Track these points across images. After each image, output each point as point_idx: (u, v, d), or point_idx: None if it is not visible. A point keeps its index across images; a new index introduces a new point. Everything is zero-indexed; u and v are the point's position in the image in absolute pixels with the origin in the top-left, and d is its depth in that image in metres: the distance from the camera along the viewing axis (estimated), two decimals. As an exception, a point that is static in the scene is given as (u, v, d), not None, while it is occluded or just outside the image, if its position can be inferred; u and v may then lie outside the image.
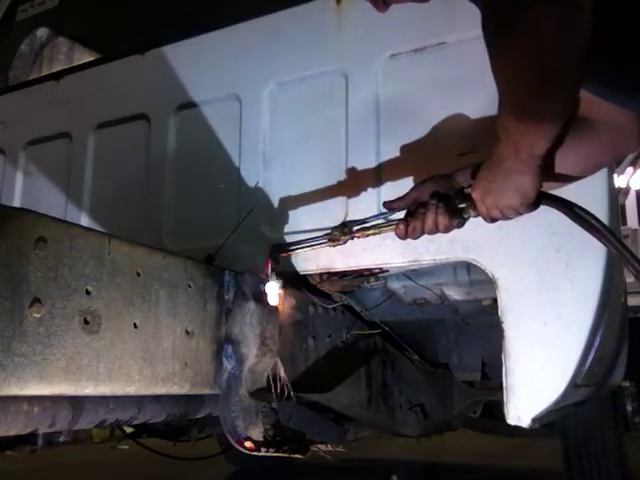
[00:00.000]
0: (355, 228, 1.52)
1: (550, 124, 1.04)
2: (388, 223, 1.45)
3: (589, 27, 0.90)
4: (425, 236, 1.38)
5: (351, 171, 1.90)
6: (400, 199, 1.43)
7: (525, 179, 1.15)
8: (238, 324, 1.53)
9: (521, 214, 1.25)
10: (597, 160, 1.31)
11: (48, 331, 1.06)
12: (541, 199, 1.22)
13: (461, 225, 1.34)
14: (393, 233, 1.42)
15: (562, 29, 0.89)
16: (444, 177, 1.39)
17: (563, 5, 0.87)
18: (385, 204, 1.47)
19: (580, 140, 1.21)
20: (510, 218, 1.27)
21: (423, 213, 1.34)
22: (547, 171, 1.16)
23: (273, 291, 1.60)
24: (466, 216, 1.32)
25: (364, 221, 1.51)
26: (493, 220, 1.29)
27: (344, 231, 1.52)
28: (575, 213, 1.22)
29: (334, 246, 1.56)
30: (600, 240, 1.20)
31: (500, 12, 0.92)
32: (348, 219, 1.80)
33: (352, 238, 1.53)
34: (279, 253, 1.66)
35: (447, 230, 1.34)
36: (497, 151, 1.15)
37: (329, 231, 1.56)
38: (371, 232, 1.49)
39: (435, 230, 1.35)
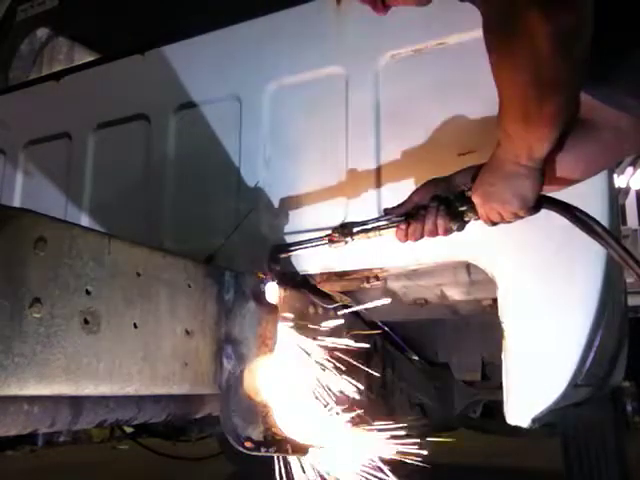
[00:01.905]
0: (355, 230, 1.52)
1: (550, 127, 1.04)
2: (388, 225, 1.45)
3: (589, 31, 0.90)
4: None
5: (351, 171, 1.90)
6: (400, 205, 1.43)
7: (525, 183, 1.15)
8: (238, 324, 1.53)
9: (522, 218, 1.25)
10: (597, 162, 1.31)
11: (48, 331, 1.06)
12: (541, 202, 1.22)
13: (461, 228, 1.34)
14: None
15: (562, 33, 0.88)
16: (444, 180, 1.39)
17: (563, 9, 0.87)
18: (386, 211, 1.47)
19: (580, 142, 1.21)
20: (511, 222, 1.27)
21: (423, 215, 1.34)
22: (547, 174, 1.16)
23: (273, 291, 1.60)
24: (466, 219, 1.32)
25: (365, 223, 1.51)
26: (494, 224, 1.29)
27: (344, 232, 1.52)
28: (576, 217, 1.22)
29: (335, 247, 1.56)
30: (601, 243, 1.20)
31: (500, 15, 0.92)
32: (348, 219, 1.81)
33: (352, 240, 1.53)
34: (279, 253, 1.66)
35: (447, 233, 1.35)
36: (497, 154, 1.15)
37: (329, 232, 1.56)
38: (371, 234, 1.50)
39: (435, 232, 1.35)
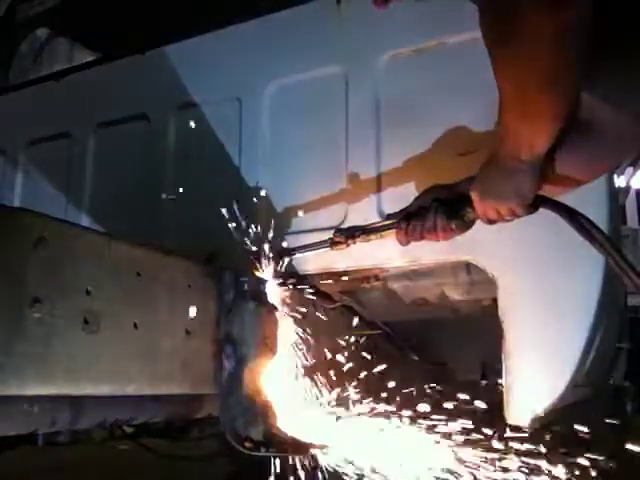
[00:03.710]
0: (357, 232, 1.53)
1: (550, 122, 1.04)
2: (389, 226, 1.46)
3: (589, 26, 0.90)
4: (425, 236, 1.39)
5: (352, 170, 1.89)
6: (403, 210, 1.44)
7: (524, 179, 1.15)
8: (238, 324, 1.53)
9: (519, 217, 1.25)
10: (599, 164, 1.31)
11: (48, 331, 1.06)
12: (539, 202, 1.22)
13: (460, 228, 1.34)
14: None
15: (561, 28, 0.89)
16: (446, 186, 1.39)
17: (562, 4, 0.87)
18: (388, 216, 1.48)
19: (581, 145, 1.21)
20: (507, 220, 1.27)
21: (423, 215, 1.35)
22: (546, 173, 1.16)
23: (273, 291, 1.60)
24: (466, 219, 1.32)
25: (366, 226, 1.52)
26: (491, 222, 1.29)
27: (346, 235, 1.53)
28: (573, 218, 1.22)
29: (336, 250, 1.56)
30: (596, 247, 1.20)
31: (499, 11, 0.92)
32: (349, 218, 1.81)
33: (354, 242, 1.53)
34: (282, 256, 1.65)
35: (446, 233, 1.34)
36: (497, 151, 1.16)
37: (332, 235, 1.56)
38: (373, 237, 1.51)
39: (434, 232, 1.35)
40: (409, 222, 1.38)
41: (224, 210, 1.87)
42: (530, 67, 0.95)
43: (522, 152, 1.10)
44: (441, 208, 1.33)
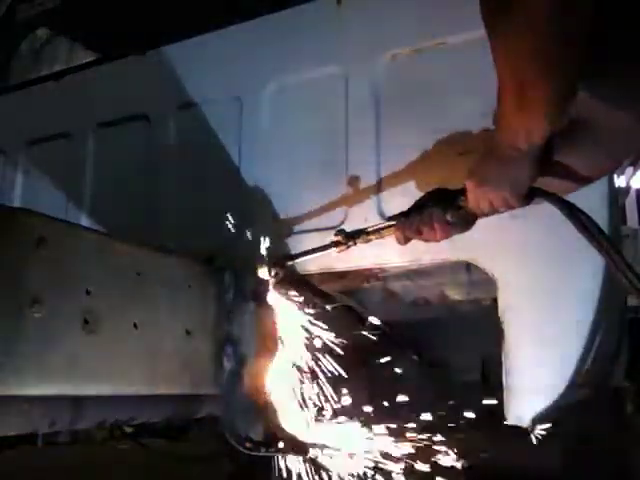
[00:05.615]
0: (358, 234, 1.53)
1: (547, 109, 1.03)
2: (388, 226, 1.46)
3: (587, 9, 0.90)
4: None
5: (352, 170, 1.89)
6: (403, 213, 1.44)
7: (520, 168, 1.15)
8: (238, 324, 1.53)
9: (512, 208, 1.25)
10: (599, 164, 1.31)
11: (48, 331, 1.07)
12: (533, 193, 1.22)
13: (457, 223, 1.34)
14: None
15: (558, 9, 0.88)
16: (447, 189, 1.40)
17: None
18: (389, 218, 1.49)
19: (581, 144, 1.21)
20: (500, 212, 1.27)
21: (420, 210, 1.36)
22: (543, 166, 1.16)
23: (273, 291, 1.60)
24: (461, 211, 1.32)
25: (366, 228, 1.53)
26: (484, 214, 1.29)
27: (347, 237, 1.53)
28: (566, 208, 1.22)
29: (338, 252, 1.57)
30: (591, 241, 1.20)
31: None
32: (348, 219, 1.81)
33: (355, 244, 1.54)
34: (286, 261, 1.66)
35: (443, 227, 1.34)
36: (495, 140, 1.16)
37: (333, 237, 1.57)
38: (373, 237, 1.51)
39: (430, 222, 1.35)
40: (407, 218, 1.39)
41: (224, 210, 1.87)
42: (529, 50, 0.95)
43: (519, 140, 1.10)
44: (437, 201, 1.34)
